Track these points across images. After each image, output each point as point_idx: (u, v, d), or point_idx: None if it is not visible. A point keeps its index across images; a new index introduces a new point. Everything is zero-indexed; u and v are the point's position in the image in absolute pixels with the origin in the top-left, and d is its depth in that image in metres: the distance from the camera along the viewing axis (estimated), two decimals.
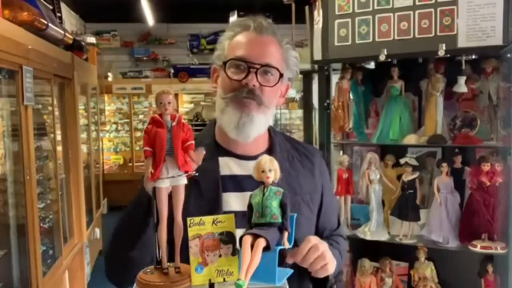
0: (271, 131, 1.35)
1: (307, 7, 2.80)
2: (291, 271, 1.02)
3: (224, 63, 1.22)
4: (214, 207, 1.19)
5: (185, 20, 8.01)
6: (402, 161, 2.23)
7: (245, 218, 0.98)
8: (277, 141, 1.33)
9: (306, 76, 2.88)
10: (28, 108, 2.62)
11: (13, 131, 2.64)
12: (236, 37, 1.24)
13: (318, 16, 2.40)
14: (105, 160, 7.70)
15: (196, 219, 0.95)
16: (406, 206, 2.20)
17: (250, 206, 0.97)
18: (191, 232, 0.95)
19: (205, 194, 1.20)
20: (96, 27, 8.08)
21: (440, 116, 2.21)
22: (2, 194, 2.63)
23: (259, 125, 1.21)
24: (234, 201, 1.22)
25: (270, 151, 1.28)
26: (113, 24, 8.17)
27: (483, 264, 2.09)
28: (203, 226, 0.95)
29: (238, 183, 1.24)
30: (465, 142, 2.15)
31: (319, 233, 1.33)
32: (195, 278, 0.94)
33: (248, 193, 1.07)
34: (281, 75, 1.22)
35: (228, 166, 1.27)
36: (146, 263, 1.01)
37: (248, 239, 0.90)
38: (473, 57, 2.06)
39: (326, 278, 1.22)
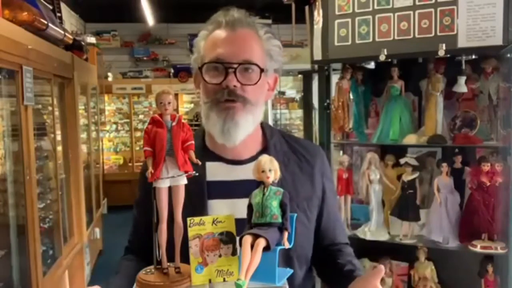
0: (266, 131, 1.27)
1: (307, 7, 2.80)
2: (291, 271, 1.02)
3: (200, 68, 1.14)
4: (199, 214, 1.11)
5: (185, 20, 8.00)
6: (402, 161, 2.22)
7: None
8: (272, 142, 1.25)
9: (306, 76, 2.88)
10: (28, 108, 2.62)
11: (13, 131, 2.65)
12: (210, 36, 1.16)
13: (318, 16, 2.40)
14: (105, 160, 7.71)
15: (196, 219, 0.95)
16: (406, 206, 2.20)
17: (250, 206, 0.97)
18: (191, 232, 0.95)
19: (191, 199, 1.08)
20: (96, 27, 8.09)
21: (440, 116, 2.21)
22: (2, 194, 2.63)
23: (246, 127, 1.14)
24: (220, 209, 1.15)
25: (263, 154, 1.21)
26: (113, 24, 8.17)
27: (483, 264, 2.09)
28: (203, 226, 0.95)
29: (226, 190, 1.17)
30: (465, 142, 2.15)
31: (319, 240, 1.26)
32: (195, 278, 0.94)
33: (235, 200, 1.02)
34: (262, 70, 1.13)
35: (216, 172, 1.20)
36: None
37: (248, 239, 0.90)
38: (473, 57, 2.06)
39: None
